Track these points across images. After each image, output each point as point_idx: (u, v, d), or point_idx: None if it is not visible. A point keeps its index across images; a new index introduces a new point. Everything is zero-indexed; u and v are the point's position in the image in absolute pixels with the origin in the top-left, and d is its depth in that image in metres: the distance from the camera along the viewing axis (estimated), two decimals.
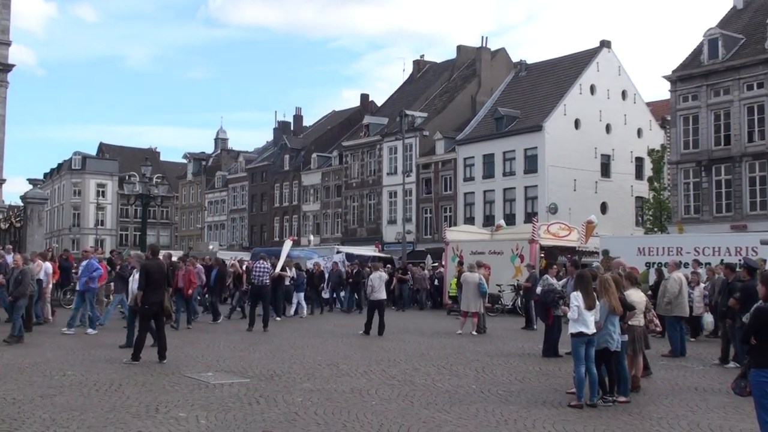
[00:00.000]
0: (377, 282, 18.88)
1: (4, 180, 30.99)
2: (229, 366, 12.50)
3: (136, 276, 13.66)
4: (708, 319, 17.70)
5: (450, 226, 43.14)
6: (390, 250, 47.81)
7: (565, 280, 15.47)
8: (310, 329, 20.32)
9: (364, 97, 76.52)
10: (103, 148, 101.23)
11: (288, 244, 25.76)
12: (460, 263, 27.54)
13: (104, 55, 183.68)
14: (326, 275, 28.31)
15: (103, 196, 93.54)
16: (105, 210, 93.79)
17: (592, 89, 51.35)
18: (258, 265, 20.31)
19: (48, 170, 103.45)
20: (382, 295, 18.97)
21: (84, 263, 17.60)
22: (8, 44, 31.43)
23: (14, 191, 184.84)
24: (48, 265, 19.00)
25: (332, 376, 11.63)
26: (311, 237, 58.01)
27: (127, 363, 12.38)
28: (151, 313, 12.83)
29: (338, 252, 33.63)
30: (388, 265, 32.09)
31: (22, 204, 28.76)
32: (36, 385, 10.25)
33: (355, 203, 64.10)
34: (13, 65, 31.46)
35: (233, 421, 8.22)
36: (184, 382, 10.70)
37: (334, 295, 29.06)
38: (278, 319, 22.23)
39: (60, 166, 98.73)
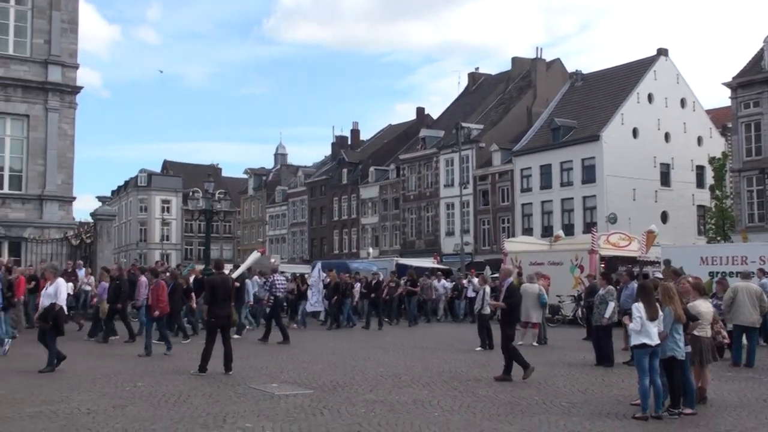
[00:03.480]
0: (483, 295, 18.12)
1: (75, 198, 31.93)
2: (292, 377, 12.71)
3: (50, 290, 13.54)
4: None
5: (508, 237, 42.91)
6: (448, 261, 47.80)
7: (606, 289, 15.42)
8: (371, 341, 20.48)
9: (420, 111, 76.74)
10: (167, 165, 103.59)
11: (254, 255, 24.93)
12: (519, 274, 27.39)
13: (164, 75, 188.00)
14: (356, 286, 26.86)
15: (168, 212, 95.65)
16: (170, 225, 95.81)
17: (650, 98, 50.64)
18: (277, 279, 20.58)
19: (115, 187, 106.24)
20: (486, 309, 17.84)
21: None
22: (76, 67, 32.41)
23: (84, 208, 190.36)
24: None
25: (394, 387, 11.74)
26: (370, 249, 58.36)
27: (195, 374, 12.69)
28: (217, 327, 13.13)
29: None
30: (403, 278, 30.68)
31: (92, 220, 29.63)
32: (108, 396, 10.61)
33: (413, 215, 64.24)
34: (81, 87, 32.37)
35: None
36: (250, 393, 10.93)
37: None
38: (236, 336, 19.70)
39: (127, 183, 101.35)
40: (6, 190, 30.56)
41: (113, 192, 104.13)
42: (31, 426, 8.58)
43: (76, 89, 32.20)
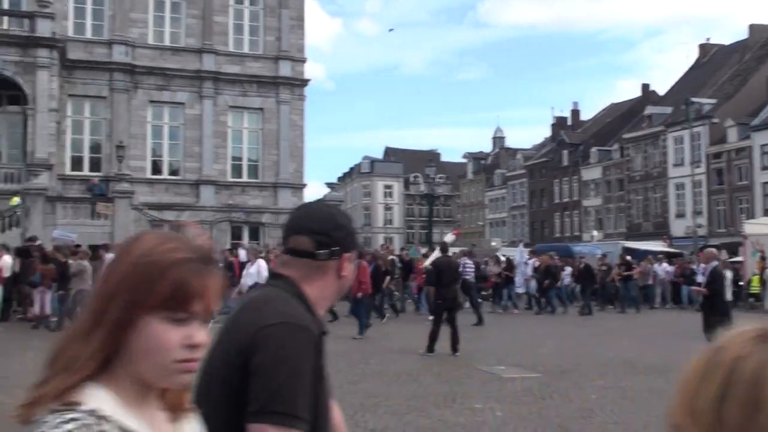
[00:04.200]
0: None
1: (305, 185, 33.81)
2: (518, 360, 12.60)
3: (251, 269, 13.95)
4: None
5: (747, 219, 39.81)
6: (679, 245, 45.20)
7: None
8: (591, 326, 19.85)
9: (645, 87, 73.03)
10: (389, 151, 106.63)
11: (449, 238, 24.02)
12: (762, 258, 25.37)
13: (383, 64, 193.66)
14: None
15: (391, 197, 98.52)
16: (392, 210, 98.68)
17: None
18: (466, 262, 20.44)
19: (341, 174, 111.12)
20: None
21: None
22: (304, 61, 34.22)
23: (313, 195, 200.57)
24: None
25: (626, 374, 11.28)
26: (594, 233, 56.63)
27: (423, 354, 12.95)
28: (444, 308, 13.31)
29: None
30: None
31: None
32: (343, 373, 11.08)
33: (639, 197, 61.45)
34: (308, 80, 34.15)
35: (528, 415, 8.28)
36: (477, 375, 10.98)
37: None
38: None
39: (351, 170, 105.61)
40: (245, 178, 33.00)
41: (339, 178, 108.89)
42: None
43: (305, 82, 34.00)
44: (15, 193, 25.74)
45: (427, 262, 20.66)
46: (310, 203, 2.38)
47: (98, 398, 1.23)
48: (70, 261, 16.55)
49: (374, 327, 17.40)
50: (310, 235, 1.96)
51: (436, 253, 20.60)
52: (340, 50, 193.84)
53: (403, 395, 9.29)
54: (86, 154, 31.07)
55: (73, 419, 1.18)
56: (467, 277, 20.24)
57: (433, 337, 13.15)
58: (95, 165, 30.92)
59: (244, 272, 14.60)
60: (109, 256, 15.28)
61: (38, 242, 20.35)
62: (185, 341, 1.26)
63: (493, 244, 51.02)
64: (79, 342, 1.26)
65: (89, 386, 1.23)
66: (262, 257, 14.75)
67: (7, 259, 17.58)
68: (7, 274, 17.26)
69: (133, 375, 1.27)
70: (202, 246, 1.33)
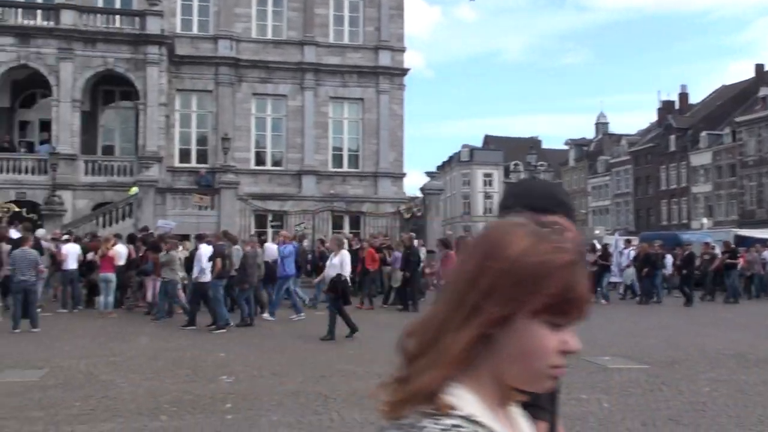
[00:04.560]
0: None
1: (405, 174, 33.87)
2: (624, 351, 12.30)
3: (335, 260, 13.72)
4: None
5: None
6: None
7: None
8: (703, 316, 19.14)
9: (759, 68, 69.64)
10: (488, 139, 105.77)
11: None
12: None
13: (483, 51, 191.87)
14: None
15: (490, 185, 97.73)
16: (492, 198, 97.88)
17: None
18: None
19: (440, 163, 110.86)
20: None
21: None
22: (403, 50, 34.27)
23: (413, 184, 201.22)
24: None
25: (739, 367, 10.84)
26: (704, 220, 54.65)
27: None
28: None
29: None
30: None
31: (421, 195, 31.27)
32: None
33: (753, 182, 58.85)
34: (408, 69, 34.16)
35: (636, 406, 8.09)
36: (582, 365, 10.75)
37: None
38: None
39: (450, 158, 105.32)
40: (346, 168, 33.39)
41: (438, 167, 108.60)
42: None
43: (404, 71, 34.07)
44: (133, 184, 26.87)
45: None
46: (527, 179, 2.27)
47: (467, 401, 1.16)
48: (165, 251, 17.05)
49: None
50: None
51: None
52: (439, 38, 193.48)
53: None
54: (193, 147, 32.12)
55: (455, 426, 1.12)
56: None
57: None
58: (202, 157, 31.92)
59: (328, 263, 14.32)
60: (203, 246, 15.66)
61: (150, 231, 21.23)
62: (561, 347, 1.20)
63: (597, 232, 50.01)
64: (449, 335, 1.17)
65: (454, 386, 1.17)
66: (344, 249, 14.49)
67: (120, 248, 18.35)
68: (120, 262, 18.03)
69: (495, 375, 1.20)
70: (579, 246, 1.24)
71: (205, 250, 15.38)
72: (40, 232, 19.79)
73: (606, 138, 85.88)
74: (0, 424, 7.18)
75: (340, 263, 13.57)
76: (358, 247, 22.07)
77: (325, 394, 8.64)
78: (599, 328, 15.70)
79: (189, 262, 16.93)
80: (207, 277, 15.11)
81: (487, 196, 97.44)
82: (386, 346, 8.92)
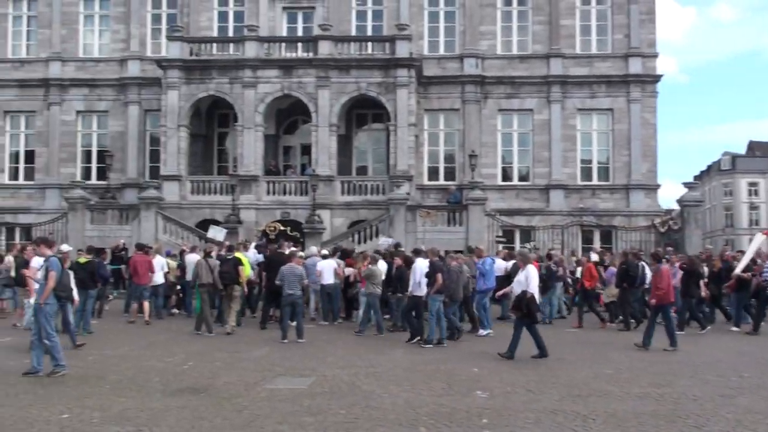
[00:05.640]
0: None
1: (659, 185, 32.22)
2: None
3: (520, 277, 12.87)
4: None
5: None
6: None
7: None
8: None
9: None
10: (752, 145, 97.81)
11: (759, 238, 19.87)
12: None
13: (743, 50, 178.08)
14: None
15: (756, 195, 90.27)
16: (758, 209, 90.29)
17: None
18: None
19: (698, 173, 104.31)
20: None
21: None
22: (655, 56, 32.72)
23: (668, 196, 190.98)
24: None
25: None
26: None
27: None
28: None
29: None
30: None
31: (677, 207, 29.57)
32: (711, 384, 10.34)
33: None
34: (660, 75, 32.58)
35: None
36: None
37: None
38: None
39: (709, 167, 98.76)
40: (595, 181, 32.47)
41: (695, 177, 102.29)
42: (641, 406, 8.81)
43: (656, 78, 32.59)
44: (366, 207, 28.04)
45: (738, 269, 18.24)
46: None
47: None
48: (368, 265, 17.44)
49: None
50: None
51: (746, 258, 18.10)
52: (693, 40, 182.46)
53: None
54: (441, 164, 32.83)
55: None
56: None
57: None
58: (450, 174, 32.55)
59: (515, 279, 13.78)
60: (419, 261, 15.65)
61: (401, 248, 21.82)
62: None
63: None
64: None
65: None
66: (530, 264, 13.77)
67: (381, 265, 18.63)
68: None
69: None
70: None
71: (421, 264, 15.54)
72: (312, 249, 21.09)
73: None
74: (274, 428, 7.72)
75: (526, 279, 13.06)
76: (608, 263, 20.94)
77: (583, 414, 8.38)
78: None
79: (388, 278, 17.31)
80: (422, 291, 15.25)
81: (753, 207, 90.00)
82: (644, 366, 8.52)
